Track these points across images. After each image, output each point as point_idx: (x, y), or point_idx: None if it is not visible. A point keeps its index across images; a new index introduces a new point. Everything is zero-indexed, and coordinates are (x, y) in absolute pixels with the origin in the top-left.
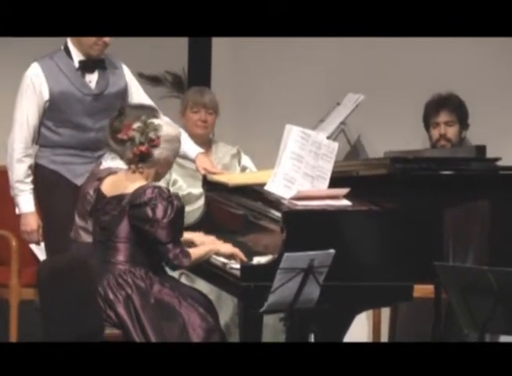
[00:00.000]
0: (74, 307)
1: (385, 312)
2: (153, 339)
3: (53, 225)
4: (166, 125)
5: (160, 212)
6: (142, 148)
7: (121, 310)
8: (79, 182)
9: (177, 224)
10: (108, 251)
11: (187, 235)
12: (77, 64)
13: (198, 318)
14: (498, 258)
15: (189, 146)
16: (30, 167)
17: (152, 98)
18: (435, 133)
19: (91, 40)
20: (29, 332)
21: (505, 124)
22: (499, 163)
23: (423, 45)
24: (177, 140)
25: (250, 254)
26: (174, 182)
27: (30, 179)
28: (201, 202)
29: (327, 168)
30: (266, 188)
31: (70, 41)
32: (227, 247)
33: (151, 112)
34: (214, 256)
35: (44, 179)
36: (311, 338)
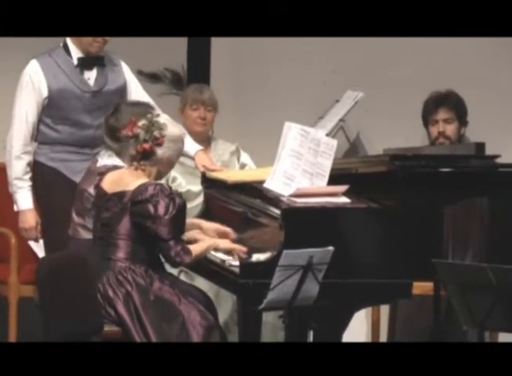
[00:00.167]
0: (74, 304)
1: (384, 310)
2: (152, 337)
3: (52, 222)
4: (171, 125)
5: (161, 209)
6: (146, 146)
7: (121, 307)
8: (78, 179)
9: (178, 221)
10: (108, 248)
11: (194, 220)
12: (75, 61)
13: (198, 315)
14: (497, 255)
15: (188, 144)
16: (28, 164)
17: (151, 95)
18: (434, 130)
19: (90, 37)
20: (28, 329)
21: (504, 122)
22: (499, 160)
23: (422, 43)
24: (181, 140)
25: (249, 251)
26: (174, 180)
27: (28, 176)
28: (200, 199)
29: (326, 166)
30: (265, 185)
31: (69, 39)
32: (226, 243)
33: (146, 109)
34: (213, 253)
35: (42, 176)
36: (311, 335)
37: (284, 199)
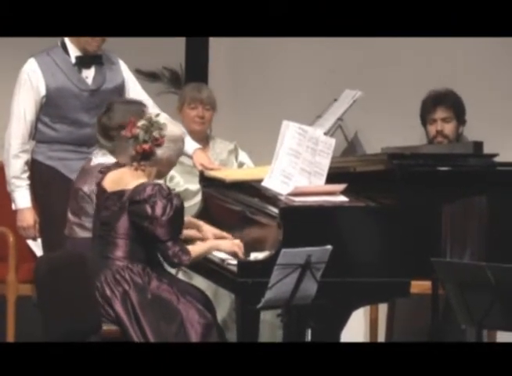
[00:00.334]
0: (72, 303)
1: (382, 309)
2: (150, 336)
3: (50, 221)
4: (171, 125)
5: (159, 210)
6: (146, 146)
7: (118, 307)
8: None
9: (176, 222)
10: (107, 247)
11: (194, 220)
12: (73, 60)
13: (196, 314)
14: (495, 254)
15: (186, 142)
16: (26, 162)
17: (149, 94)
18: (432, 129)
19: None
20: (26, 328)
21: (502, 120)
22: (497, 159)
23: (421, 42)
24: (181, 140)
25: (247, 250)
26: (172, 178)
27: (26, 175)
28: (198, 198)
29: (324, 164)
30: (263, 184)
31: (67, 37)
32: (228, 245)
33: (139, 107)
34: (214, 252)
35: (40, 175)
36: (309, 334)
37: (282, 198)
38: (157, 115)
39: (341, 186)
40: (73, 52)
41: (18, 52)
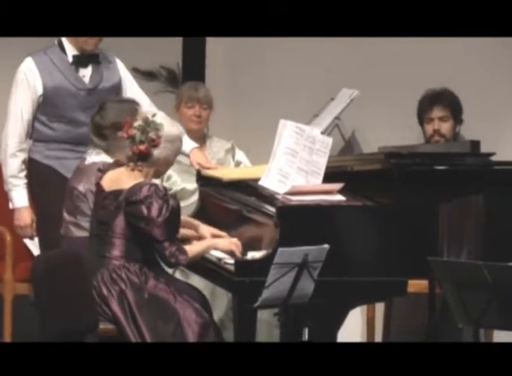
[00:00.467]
0: (69, 302)
1: (380, 308)
2: (147, 335)
3: (47, 220)
4: (168, 125)
5: (155, 211)
6: (142, 147)
7: (115, 306)
8: None
9: (172, 223)
10: (104, 246)
11: (192, 220)
12: (70, 59)
13: (193, 313)
14: (492, 253)
15: (183, 141)
16: (23, 161)
17: (146, 93)
18: (429, 128)
19: None
20: (23, 327)
21: (499, 119)
22: (494, 158)
23: (418, 41)
24: (178, 140)
25: (244, 249)
26: (169, 178)
27: (23, 174)
28: (195, 197)
29: (321, 163)
30: (260, 183)
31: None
32: (225, 243)
33: (132, 105)
34: (211, 251)
35: (38, 174)
36: (306, 333)
37: (279, 197)
38: (154, 115)
39: (338, 185)
40: (71, 51)
41: (15, 51)
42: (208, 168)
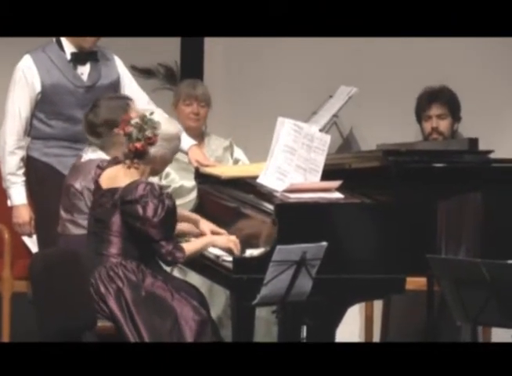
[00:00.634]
0: (67, 300)
1: (378, 305)
2: (144, 333)
3: (45, 218)
4: (165, 123)
5: (150, 211)
6: (138, 145)
7: (112, 303)
8: None
9: (168, 222)
10: (101, 244)
11: (192, 215)
12: (69, 56)
13: (191, 311)
14: (490, 251)
15: (182, 139)
16: (22, 159)
17: (144, 90)
18: (427, 126)
19: None
20: (21, 324)
21: (497, 117)
22: (492, 155)
23: (417, 39)
24: (176, 138)
25: (242, 246)
26: (167, 175)
27: (22, 171)
28: (194, 195)
29: (320, 161)
30: (259, 181)
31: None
32: (223, 241)
33: (125, 102)
34: (209, 249)
35: (36, 172)
36: (304, 331)
37: (277, 194)
38: (152, 113)
39: (337, 183)
40: (69, 48)
41: (12, 49)
42: (206, 166)
